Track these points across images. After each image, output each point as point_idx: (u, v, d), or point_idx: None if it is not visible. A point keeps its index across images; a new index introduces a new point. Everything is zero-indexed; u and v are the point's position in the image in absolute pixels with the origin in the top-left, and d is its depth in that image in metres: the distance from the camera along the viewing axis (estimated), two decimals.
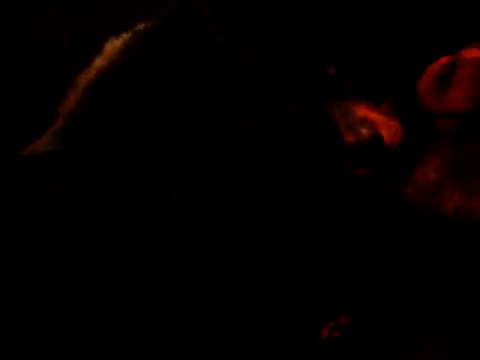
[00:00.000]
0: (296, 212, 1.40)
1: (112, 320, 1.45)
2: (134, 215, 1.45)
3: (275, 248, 1.40)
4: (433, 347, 1.31)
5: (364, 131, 1.34)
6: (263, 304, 1.41)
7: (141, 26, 1.49)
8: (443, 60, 1.34)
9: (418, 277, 1.33)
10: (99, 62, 1.48)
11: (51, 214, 1.49)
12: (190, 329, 1.43)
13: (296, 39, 1.42)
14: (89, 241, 1.46)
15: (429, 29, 1.52)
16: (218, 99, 1.43)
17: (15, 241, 1.50)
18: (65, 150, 1.48)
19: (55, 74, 2.00)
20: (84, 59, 1.60)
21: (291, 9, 1.41)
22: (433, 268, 1.33)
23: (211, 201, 1.42)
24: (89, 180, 1.47)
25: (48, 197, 1.49)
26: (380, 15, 1.46)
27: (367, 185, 1.37)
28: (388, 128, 1.35)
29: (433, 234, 1.33)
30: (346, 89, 1.39)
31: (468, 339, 1.29)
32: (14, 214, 1.52)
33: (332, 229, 1.38)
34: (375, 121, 1.35)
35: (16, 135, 1.70)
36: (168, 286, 1.44)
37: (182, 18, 1.46)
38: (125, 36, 1.48)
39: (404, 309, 1.34)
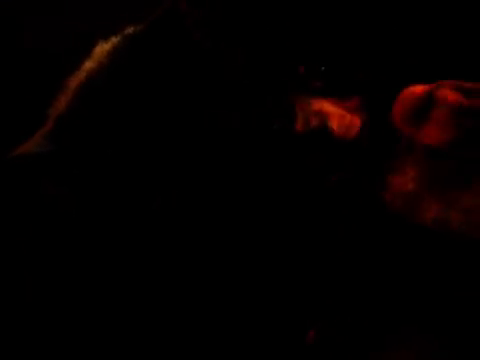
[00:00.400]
0: (280, 212, 1.42)
1: (102, 320, 1.46)
2: (122, 216, 1.46)
3: (261, 248, 1.41)
4: (410, 346, 1.33)
5: (313, 121, 1.40)
6: (249, 306, 1.42)
7: (130, 30, 1.50)
8: (419, 91, 1.37)
9: (396, 279, 1.36)
10: (89, 65, 1.50)
11: (41, 214, 1.50)
12: (177, 330, 1.44)
13: (272, 42, 1.45)
14: (79, 241, 1.47)
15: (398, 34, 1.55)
16: (204, 101, 1.44)
17: (5, 241, 1.51)
18: (54, 152, 1.49)
19: (54, 74, 2.01)
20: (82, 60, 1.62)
21: (268, 13, 1.44)
22: (409, 271, 1.35)
23: (197, 202, 1.43)
24: (78, 181, 1.48)
25: (38, 198, 1.49)
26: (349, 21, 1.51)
27: (345, 189, 1.39)
28: (340, 120, 1.40)
29: (411, 240, 1.34)
30: (315, 87, 1.44)
31: (442, 337, 1.32)
32: (4, 215, 1.53)
33: (314, 231, 1.40)
34: (329, 113, 1.40)
35: (11, 134, 1.70)
36: (156, 285, 1.45)
37: (170, 22, 1.47)
38: (114, 40, 1.50)
39: (380, 309, 1.35)
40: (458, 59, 1.53)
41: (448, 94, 1.34)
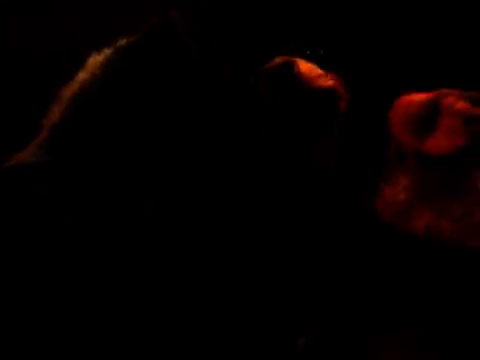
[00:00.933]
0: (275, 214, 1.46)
1: (98, 320, 1.47)
2: (116, 222, 1.48)
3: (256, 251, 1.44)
4: (401, 346, 1.35)
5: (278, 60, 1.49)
6: (246, 308, 1.44)
7: (122, 41, 1.52)
8: (421, 100, 1.40)
9: (392, 284, 1.38)
10: (82, 76, 1.51)
11: (37, 222, 1.51)
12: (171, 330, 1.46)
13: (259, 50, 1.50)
14: (72, 246, 1.48)
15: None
16: (195, 110, 1.47)
17: (3, 247, 1.53)
18: (49, 161, 1.51)
19: (47, 84, 2.04)
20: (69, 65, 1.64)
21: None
22: (404, 277, 1.37)
23: (191, 205, 1.46)
24: (73, 189, 1.50)
25: (33, 206, 1.51)
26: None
27: (339, 197, 1.42)
28: (307, 68, 1.47)
29: (403, 248, 1.36)
30: None
31: (433, 338, 1.34)
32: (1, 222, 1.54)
33: (308, 236, 1.43)
34: (297, 61, 1.49)
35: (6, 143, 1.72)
36: (152, 286, 1.47)
37: (161, 35, 1.49)
38: (107, 51, 1.52)
39: (374, 313, 1.38)
40: (452, 67, 1.56)
41: (455, 102, 1.36)
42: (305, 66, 1.49)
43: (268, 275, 1.43)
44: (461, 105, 1.36)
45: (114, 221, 1.49)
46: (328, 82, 1.48)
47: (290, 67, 1.47)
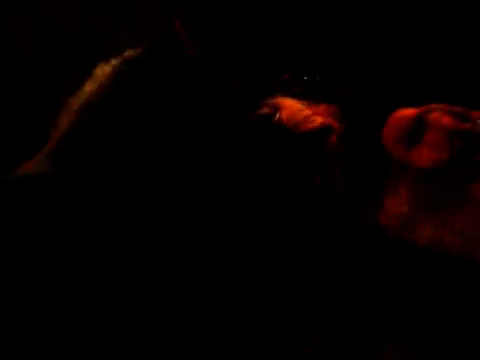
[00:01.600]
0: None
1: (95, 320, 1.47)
2: (119, 235, 1.47)
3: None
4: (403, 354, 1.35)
5: (264, 109, 1.52)
6: (238, 315, 1.44)
7: (130, 53, 1.52)
8: (410, 114, 1.43)
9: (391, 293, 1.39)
10: (90, 86, 1.52)
11: (41, 233, 1.51)
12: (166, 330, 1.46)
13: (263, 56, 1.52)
14: (75, 254, 1.48)
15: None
16: (201, 122, 1.48)
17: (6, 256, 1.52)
18: (55, 172, 1.51)
19: (24, 96, 2.06)
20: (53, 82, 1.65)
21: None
22: (404, 286, 1.38)
23: (195, 220, 1.46)
24: (78, 200, 1.50)
25: (38, 215, 1.51)
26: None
27: (342, 211, 1.42)
28: (293, 112, 1.49)
29: (407, 260, 1.36)
30: (295, 91, 1.56)
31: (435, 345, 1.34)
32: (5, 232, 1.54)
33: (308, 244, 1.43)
34: (283, 105, 1.51)
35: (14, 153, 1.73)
36: (152, 289, 1.46)
37: (165, 47, 1.50)
38: (114, 62, 1.52)
39: (375, 321, 1.38)
40: (446, 81, 1.57)
41: (441, 117, 1.38)
42: (288, 111, 1.51)
43: (272, 284, 1.44)
44: (446, 120, 1.39)
45: (119, 232, 1.48)
46: (314, 123, 1.50)
47: (271, 117, 1.49)
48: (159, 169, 1.50)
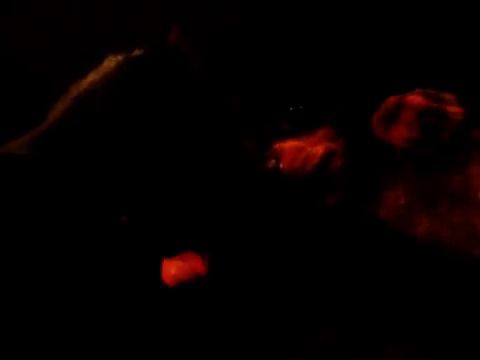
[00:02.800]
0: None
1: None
2: (94, 225, 1.48)
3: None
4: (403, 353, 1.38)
5: (270, 163, 1.58)
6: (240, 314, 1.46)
7: (137, 51, 1.55)
8: (393, 99, 1.53)
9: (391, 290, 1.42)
10: (92, 76, 1.54)
11: (14, 213, 1.50)
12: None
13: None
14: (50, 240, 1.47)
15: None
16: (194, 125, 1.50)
17: None
18: (36, 155, 1.50)
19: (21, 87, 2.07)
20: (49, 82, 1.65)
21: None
22: (403, 283, 1.42)
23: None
24: (58, 186, 1.49)
25: (12, 197, 1.50)
26: None
27: (341, 207, 1.47)
28: (294, 156, 1.56)
29: (404, 255, 1.42)
30: (283, 129, 1.63)
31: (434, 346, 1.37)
32: None
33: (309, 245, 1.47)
34: (283, 151, 1.57)
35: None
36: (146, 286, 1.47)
37: (163, 53, 1.53)
38: (120, 57, 1.54)
39: (377, 319, 1.42)
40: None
41: (414, 98, 1.50)
42: (288, 155, 1.58)
43: (270, 280, 1.47)
44: (418, 100, 1.50)
45: (95, 225, 1.48)
46: (314, 160, 1.55)
47: (276, 165, 1.56)
48: (143, 170, 1.51)
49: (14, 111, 2.01)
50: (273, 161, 1.56)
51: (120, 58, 1.54)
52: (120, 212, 1.49)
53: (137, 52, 1.55)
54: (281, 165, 1.55)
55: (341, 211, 1.48)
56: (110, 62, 1.54)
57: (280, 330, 1.45)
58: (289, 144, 1.58)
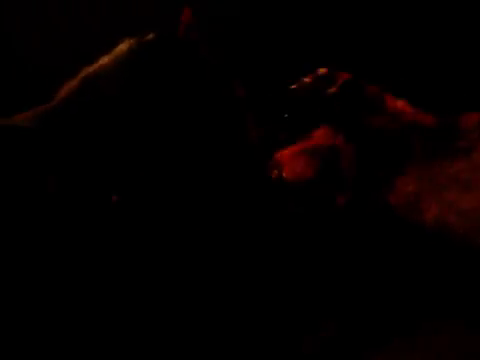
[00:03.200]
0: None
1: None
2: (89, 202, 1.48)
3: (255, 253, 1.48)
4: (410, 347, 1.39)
5: (274, 174, 1.62)
6: (244, 310, 1.47)
7: (149, 35, 1.57)
8: None
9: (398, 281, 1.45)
10: (104, 59, 1.56)
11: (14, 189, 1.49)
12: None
13: None
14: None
15: None
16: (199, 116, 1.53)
17: None
18: (38, 130, 1.52)
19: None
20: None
21: None
22: (412, 274, 1.45)
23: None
24: (58, 164, 1.50)
25: (12, 169, 1.50)
26: None
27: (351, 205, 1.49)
28: (292, 168, 1.61)
29: (414, 244, 1.45)
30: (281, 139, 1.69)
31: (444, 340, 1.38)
32: None
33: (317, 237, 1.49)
34: (283, 164, 1.62)
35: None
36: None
37: (177, 40, 1.56)
38: (132, 42, 1.56)
39: (382, 312, 1.44)
40: None
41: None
42: (290, 165, 1.63)
43: (278, 272, 1.49)
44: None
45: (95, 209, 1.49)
46: (309, 172, 1.58)
47: (279, 175, 1.61)
48: (146, 155, 1.53)
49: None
50: (275, 171, 1.60)
51: (132, 42, 1.57)
52: (113, 191, 1.50)
53: (149, 36, 1.58)
54: (284, 174, 1.59)
55: (351, 208, 1.50)
56: (123, 45, 1.57)
57: (284, 326, 1.46)
58: (288, 152, 1.61)
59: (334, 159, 1.57)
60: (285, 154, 1.62)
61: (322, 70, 1.66)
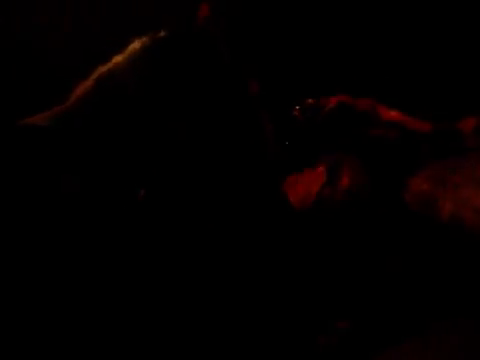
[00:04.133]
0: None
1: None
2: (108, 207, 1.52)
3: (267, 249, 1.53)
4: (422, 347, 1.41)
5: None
6: (258, 308, 1.50)
7: (162, 33, 1.61)
8: None
9: (412, 281, 1.50)
10: (118, 58, 1.59)
11: (31, 186, 1.53)
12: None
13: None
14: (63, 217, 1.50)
15: None
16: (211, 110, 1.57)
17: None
18: (60, 130, 1.56)
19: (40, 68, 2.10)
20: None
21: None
22: (427, 272, 1.49)
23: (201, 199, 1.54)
24: (72, 162, 1.54)
25: (30, 168, 1.53)
26: None
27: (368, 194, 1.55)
28: (296, 194, 1.69)
29: (430, 240, 1.49)
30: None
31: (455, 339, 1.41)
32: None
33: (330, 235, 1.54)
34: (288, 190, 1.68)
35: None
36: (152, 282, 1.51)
37: (194, 36, 1.59)
38: (145, 40, 1.60)
39: (393, 311, 1.48)
40: None
41: None
42: (291, 192, 1.69)
43: (291, 270, 1.53)
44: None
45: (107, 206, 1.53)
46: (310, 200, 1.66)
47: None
48: (162, 153, 1.57)
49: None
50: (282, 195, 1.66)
51: (145, 39, 1.61)
52: (138, 186, 1.54)
53: (163, 33, 1.61)
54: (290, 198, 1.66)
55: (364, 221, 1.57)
56: (135, 44, 1.60)
57: (298, 326, 1.50)
58: (289, 180, 1.70)
59: (339, 175, 1.64)
60: (290, 179, 1.70)
61: (310, 101, 1.72)
